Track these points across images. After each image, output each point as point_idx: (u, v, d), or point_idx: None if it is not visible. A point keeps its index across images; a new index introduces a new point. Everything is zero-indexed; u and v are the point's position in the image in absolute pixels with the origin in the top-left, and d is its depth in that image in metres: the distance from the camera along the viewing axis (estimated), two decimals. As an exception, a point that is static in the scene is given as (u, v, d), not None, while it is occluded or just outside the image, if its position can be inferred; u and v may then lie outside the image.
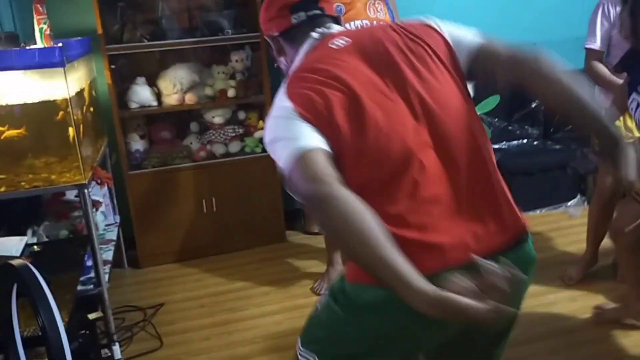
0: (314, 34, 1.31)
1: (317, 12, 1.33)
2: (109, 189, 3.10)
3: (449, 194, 1.16)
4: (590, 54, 2.60)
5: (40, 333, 1.30)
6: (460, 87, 1.24)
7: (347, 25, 2.53)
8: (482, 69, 1.27)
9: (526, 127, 3.96)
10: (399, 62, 1.21)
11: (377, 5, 2.62)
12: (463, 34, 1.30)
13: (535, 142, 3.98)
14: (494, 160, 1.25)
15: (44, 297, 0.93)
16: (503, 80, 1.25)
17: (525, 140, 3.97)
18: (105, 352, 2.23)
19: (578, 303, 2.63)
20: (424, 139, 1.16)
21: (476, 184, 1.19)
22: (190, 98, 3.19)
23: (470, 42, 1.28)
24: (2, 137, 2.19)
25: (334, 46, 1.26)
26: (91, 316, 1.33)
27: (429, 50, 1.24)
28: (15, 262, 1.03)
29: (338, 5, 2.55)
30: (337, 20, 1.39)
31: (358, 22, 2.56)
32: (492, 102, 3.46)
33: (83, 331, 1.70)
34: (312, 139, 1.12)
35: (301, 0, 1.32)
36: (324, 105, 1.15)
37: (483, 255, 0.96)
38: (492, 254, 1.08)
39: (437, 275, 0.96)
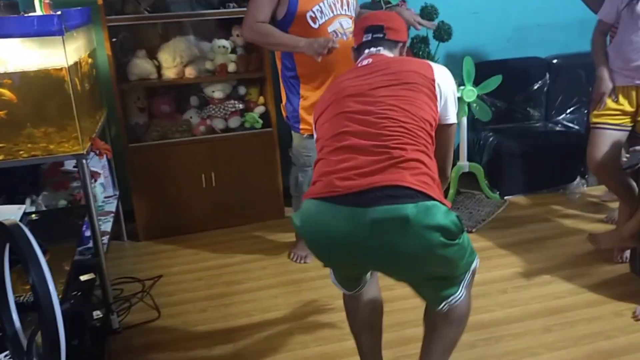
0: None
1: (378, 35, 1.86)
2: (108, 162, 3.11)
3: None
4: (599, 24, 2.65)
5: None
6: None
7: (321, 4, 2.51)
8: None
9: (528, 108, 3.94)
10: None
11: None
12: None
13: (537, 124, 3.97)
14: None
15: (34, 254, 0.94)
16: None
17: (526, 122, 3.95)
18: (97, 313, 2.25)
19: (573, 282, 2.65)
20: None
21: None
22: (190, 72, 3.17)
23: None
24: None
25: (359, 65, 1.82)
26: (83, 278, 1.34)
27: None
28: (6, 221, 1.04)
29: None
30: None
31: (331, 0, 2.54)
32: (493, 82, 3.46)
33: (75, 292, 1.72)
34: None
35: (370, 25, 1.88)
36: None
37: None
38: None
39: None
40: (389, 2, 3.16)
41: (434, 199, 1.48)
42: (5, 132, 2.25)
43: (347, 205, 1.48)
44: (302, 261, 2.97)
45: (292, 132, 2.78)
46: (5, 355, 1.28)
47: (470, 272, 1.67)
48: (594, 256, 2.86)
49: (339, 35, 2.56)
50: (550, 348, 2.21)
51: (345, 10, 2.58)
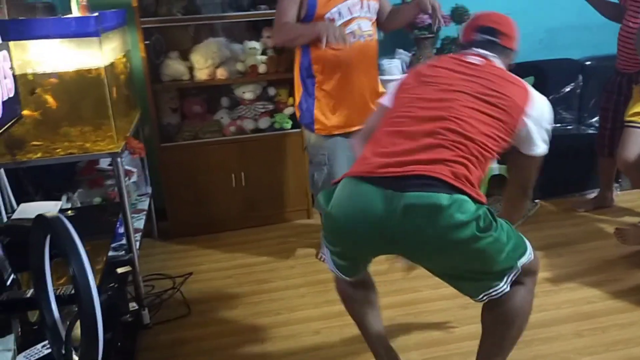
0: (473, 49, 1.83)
1: (491, 38, 1.83)
2: (142, 161, 3.17)
3: None
4: None
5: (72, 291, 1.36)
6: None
7: (339, 5, 2.52)
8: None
9: (560, 110, 3.88)
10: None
11: None
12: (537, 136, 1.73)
13: (569, 127, 3.91)
14: None
15: (75, 246, 0.98)
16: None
17: (559, 125, 3.89)
18: (132, 305, 2.30)
19: (605, 288, 2.60)
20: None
21: None
22: (221, 73, 3.22)
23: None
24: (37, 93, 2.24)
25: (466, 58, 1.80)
26: (120, 270, 1.39)
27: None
28: (48, 214, 1.08)
29: None
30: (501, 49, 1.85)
31: (349, 2, 2.54)
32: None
33: (112, 284, 1.77)
34: None
35: (484, 26, 1.85)
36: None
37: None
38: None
39: None
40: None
41: (469, 195, 1.51)
42: (43, 130, 2.32)
43: (383, 187, 1.53)
44: None
45: (307, 131, 2.79)
46: (44, 345, 1.33)
47: (518, 267, 1.61)
48: (626, 261, 2.81)
49: (357, 37, 2.57)
50: (582, 353, 2.18)
51: (365, 12, 2.59)
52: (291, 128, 3.37)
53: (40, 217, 1.09)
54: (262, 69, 3.26)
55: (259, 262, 3.05)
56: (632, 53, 2.89)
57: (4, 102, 1.88)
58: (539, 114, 1.70)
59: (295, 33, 2.55)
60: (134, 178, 2.97)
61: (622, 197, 3.59)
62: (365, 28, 2.59)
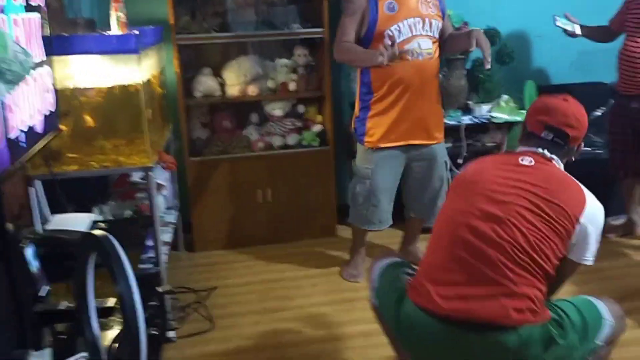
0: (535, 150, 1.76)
1: (558, 141, 1.75)
2: (171, 174, 3.22)
3: None
4: None
5: (108, 305, 1.39)
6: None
7: (400, 23, 2.56)
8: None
9: (590, 134, 3.84)
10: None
11: (429, 1, 2.65)
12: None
13: (599, 151, 3.86)
14: None
15: (122, 267, 1.00)
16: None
17: (589, 148, 3.85)
18: (173, 324, 2.32)
19: (634, 316, 2.56)
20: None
21: None
22: (252, 90, 3.26)
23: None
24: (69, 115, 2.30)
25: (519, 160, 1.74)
26: (160, 289, 1.42)
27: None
28: (96, 232, 1.10)
29: (390, 3, 2.58)
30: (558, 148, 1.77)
31: (411, 20, 2.59)
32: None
33: (153, 303, 1.80)
34: None
35: (556, 127, 1.74)
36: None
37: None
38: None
39: None
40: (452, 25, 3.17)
41: (535, 324, 1.57)
42: (79, 143, 2.38)
43: (449, 325, 1.59)
44: (354, 280, 2.98)
45: (358, 144, 2.83)
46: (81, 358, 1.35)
47: (597, 345, 1.67)
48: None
49: (415, 55, 2.61)
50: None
51: (426, 31, 2.63)
52: (319, 145, 3.39)
53: (88, 235, 1.12)
54: (292, 86, 3.30)
55: (284, 278, 3.07)
56: (635, 75, 2.97)
57: (45, 117, 1.94)
58: (594, 221, 1.66)
59: (355, 56, 2.66)
60: (164, 192, 3.02)
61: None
62: (425, 46, 2.63)
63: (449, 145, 3.27)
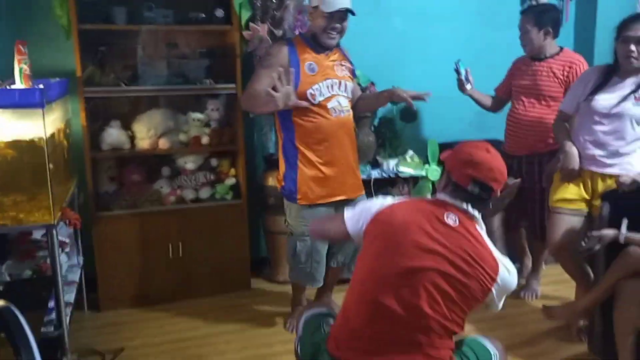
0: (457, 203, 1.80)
1: (483, 195, 1.80)
2: (75, 230, 3.07)
3: None
4: (560, 114, 2.91)
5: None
6: None
7: (320, 84, 2.67)
8: None
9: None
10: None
11: (343, 64, 2.80)
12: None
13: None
14: None
15: (26, 339, 0.95)
16: None
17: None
18: None
19: (535, 362, 2.70)
20: None
21: None
22: (163, 143, 3.22)
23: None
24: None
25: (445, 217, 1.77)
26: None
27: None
28: (-3, 303, 1.04)
29: (310, 64, 2.68)
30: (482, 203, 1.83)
31: (329, 81, 2.71)
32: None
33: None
34: None
35: (482, 182, 1.78)
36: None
37: None
38: None
39: None
40: (359, 84, 3.32)
41: None
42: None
43: None
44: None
45: (289, 202, 2.83)
46: None
47: None
48: (553, 335, 2.94)
49: (337, 112, 2.73)
50: None
51: (342, 91, 2.76)
52: (232, 199, 3.38)
53: (-13, 307, 1.05)
54: (205, 140, 3.30)
55: (195, 336, 2.98)
56: (521, 137, 3.21)
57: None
58: (506, 283, 1.76)
59: (259, 101, 2.59)
60: (67, 249, 2.87)
61: (547, 271, 3.77)
62: (344, 104, 2.77)
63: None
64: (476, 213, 1.80)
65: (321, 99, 2.68)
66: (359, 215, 1.85)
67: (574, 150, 2.72)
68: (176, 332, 3.02)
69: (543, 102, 3.14)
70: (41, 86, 2.24)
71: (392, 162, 3.56)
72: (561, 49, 3.16)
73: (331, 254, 2.98)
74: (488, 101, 3.46)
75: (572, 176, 2.74)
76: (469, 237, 1.73)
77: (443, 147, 3.64)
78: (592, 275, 2.78)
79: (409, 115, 3.63)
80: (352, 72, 2.88)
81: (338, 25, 2.65)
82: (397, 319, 1.66)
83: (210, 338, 2.95)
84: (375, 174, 3.52)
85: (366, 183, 3.49)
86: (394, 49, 3.80)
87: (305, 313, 2.03)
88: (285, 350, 2.76)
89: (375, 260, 1.74)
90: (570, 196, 2.75)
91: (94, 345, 2.82)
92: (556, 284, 3.55)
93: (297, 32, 3.18)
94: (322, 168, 2.74)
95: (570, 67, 3.07)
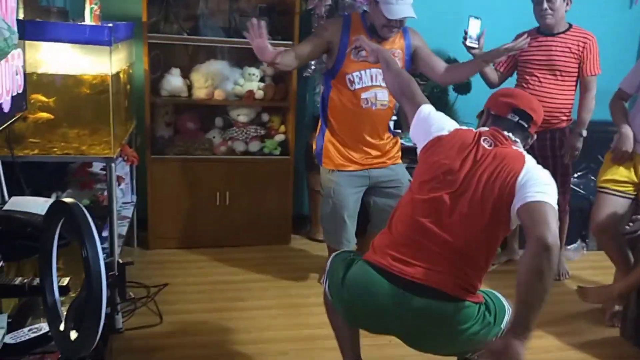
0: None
1: (522, 123, 1.88)
2: (130, 169, 3.24)
3: None
4: (618, 92, 2.86)
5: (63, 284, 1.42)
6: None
7: (363, 71, 2.65)
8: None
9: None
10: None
11: (395, 55, 2.68)
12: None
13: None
14: None
15: (90, 231, 1.06)
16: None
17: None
18: (129, 294, 2.44)
19: (563, 339, 2.72)
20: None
21: None
22: (219, 94, 3.33)
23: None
24: (37, 115, 2.33)
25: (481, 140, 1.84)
26: (121, 260, 1.47)
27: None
28: (66, 199, 1.15)
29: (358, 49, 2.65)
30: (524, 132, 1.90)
31: (374, 70, 2.65)
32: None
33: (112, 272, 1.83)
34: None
35: (521, 109, 1.87)
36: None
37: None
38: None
39: None
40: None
41: (470, 301, 1.74)
42: (42, 129, 2.39)
43: (397, 286, 1.73)
44: None
45: (320, 164, 2.89)
46: (30, 329, 1.38)
47: (502, 329, 1.82)
48: (586, 317, 2.93)
49: (369, 103, 2.69)
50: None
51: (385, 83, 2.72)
52: (280, 155, 3.47)
53: (58, 202, 1.17)
54: (258, 94, 3.38)
55: (234, 280, 3.11)
56: None
57: (13, 97, 1.96)
58: (533, 174, 1.73)
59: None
60: (122, 185, 3.03)
61: (588, 256, 3.74)
62: (381, 97, 2.70)
63: (405, 165, 3.39)
64: (517, 139, 1.87)
65: (358, 86, 2.67)
66: (422, 129, 1.97)
67: (629, 132, 2.67)
68: (216, 275, 3.17)
69: (559, 78, 3.08)
70: (110, 25, 2.36)
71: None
72: (570, 25, 3.10)
73: (373, 221, 3.01)
74: (494, 75, 3.26)
75: (625, 158, 2.70)
76: (505, 156, 1.77)
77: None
78: (632, 259, 2.75)
79: (464, 87, 3.60)
80: (407, 62, 2.76)
81: (397, 25, 2.62)
82: (429, 236, 1.75)
83: (248, 284, 3.09)
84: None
85: (413, 150, 3.51)
86: (449, 13, 3.72)
87: (334, 254, 2.11)
88: (318, 303, 2.80)
89: (417, 186, 1.87)
90: (619, 177, 2.72)
91: (140, 279, 2.99)
92: (595, 269, 3.52)
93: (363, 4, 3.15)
94: (346, 144, 2.76)
95: (584, 43, 3.03)
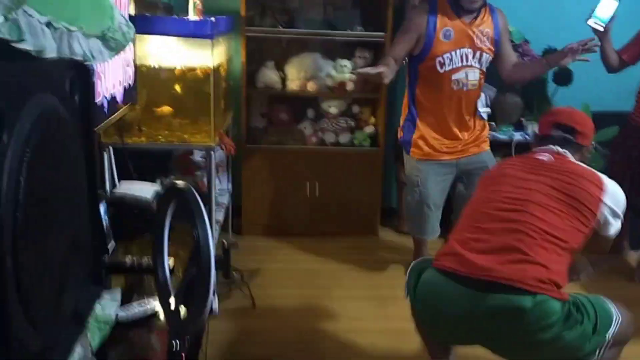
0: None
1: (567, 136, 1.95)
2: (227, 158, 3.37)
3: None
4: None
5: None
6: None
7: (452, 52, 2.62)
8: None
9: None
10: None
11: (484, 35, 2.67)
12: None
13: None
14: None
15: (201, 212, 1.13)
16: None
17: None
18: (234, 274, 2.57)
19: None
20: None
21: None
22: (311, 86, 3.39)
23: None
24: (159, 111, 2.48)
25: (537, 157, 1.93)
26: (225, 242, 1.57)
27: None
28: (178, 183, 1.24)
29: (447, 30, 2.62)
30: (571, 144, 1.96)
31: (464, 50, 2.63)
32: (609, 132, 3.40)
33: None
34: None
35: (563, 124, 1.96)
36: None
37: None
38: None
39: None
40: (512, 41, 3.21)
41: (553, 296, 1.63)
42: (149, 118, 2.55)
43: (468, 287, 1.68)
44: None
45: (404, 153, 2.90)
46: (139, 304, 1.48)
47: (607, 339, 1.71)
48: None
49: (461, 85, 2.68)
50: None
51: (476, 62, 2.68)
52: (369, 146, 3.49)
53: (172, 185, 1.26)
54: (349, 86, 3.41)
55: (323, 269, 3.17)
56: None
57: (124, 88, 2.11)
58: (614, 202, 1.81)
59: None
60: (220, 174, 3.17)
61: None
62: (472, 77, 2.69)
63: (498, 159, 3.31)
64: (566, 151, 1.92)
65: (449, 68, 2.63)
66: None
67: None
68: (305, 262, 3.24)
69: None
70: (212, 19, 2.46)
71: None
72: None
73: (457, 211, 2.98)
74: (615, 56, 3.01)
75: None
76: (565, 164, 1.87)
77: (596, 116, 3.44)
78: None
79: (565, 77, 3.45)
80: (495, 43, 2.72)
81: None
82: (502, 224, 1.75)
83: (336, 273, 3.14)
84: (517, 136, 3.43)
85: (507, 145, 3.43)
86: (550, 3, 3.59)
87: (413, 263, 2.07)
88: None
89: (477, 199, 1.94)
90: None
91: (233, 263, 3.10)
92: None
93: None
94: (436, 131, 2.76)
95: None
